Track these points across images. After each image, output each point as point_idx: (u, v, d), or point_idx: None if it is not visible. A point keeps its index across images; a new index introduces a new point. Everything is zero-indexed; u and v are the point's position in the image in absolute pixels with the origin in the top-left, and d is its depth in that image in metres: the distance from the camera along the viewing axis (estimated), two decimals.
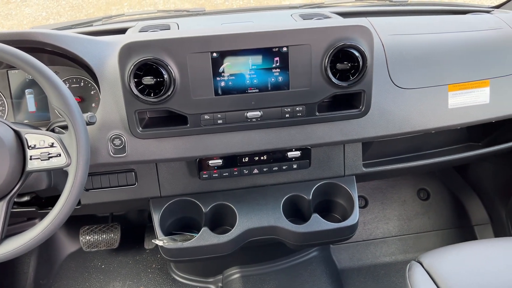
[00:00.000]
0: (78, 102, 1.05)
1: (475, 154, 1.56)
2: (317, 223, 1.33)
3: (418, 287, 1.13)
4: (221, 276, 1.83)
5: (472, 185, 2.09)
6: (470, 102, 1.37)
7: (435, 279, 1.14)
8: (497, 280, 1.11)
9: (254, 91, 1.17)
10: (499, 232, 1.97)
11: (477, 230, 2.06)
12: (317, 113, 1.23)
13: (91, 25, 1.57)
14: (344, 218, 1.38)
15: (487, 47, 1.39)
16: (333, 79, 1.17)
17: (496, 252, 1.20)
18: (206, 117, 1.17)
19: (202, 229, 1.30)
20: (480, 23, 1.47)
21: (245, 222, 1.33)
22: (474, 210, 2.08)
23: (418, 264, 1.20)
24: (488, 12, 1.65)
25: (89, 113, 1.06)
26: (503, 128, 1.58)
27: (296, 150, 1.32)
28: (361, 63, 1.17)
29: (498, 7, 1.76)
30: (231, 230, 1.32)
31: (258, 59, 1.15)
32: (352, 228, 1.37)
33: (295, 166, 1.34)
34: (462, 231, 2.08)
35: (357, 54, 1.16)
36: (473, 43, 1.39)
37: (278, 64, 1.16)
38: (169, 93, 1.11)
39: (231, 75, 1.15)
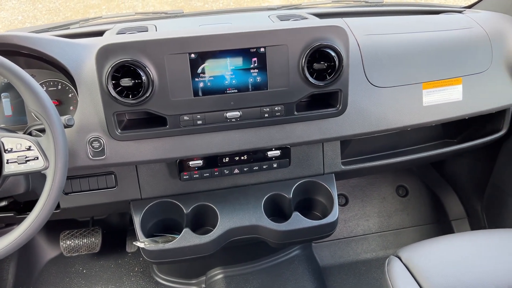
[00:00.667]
0: (55, 105, 1.04)
1: (450, 150, 1.60)
2: (297, 221, 1.35)
3: (397, 281, 1.15)
4: (204, 277, 1.84)
5: (449, 181, 2.14)
6: (444, 100, 1.40)
7: (413, 272, 1.17)
8: (472, 270, 1.14)
9: (233, 91, 1.18)
10: (475, 226, 2.03)
11: (455, 224, 2.11)
12: (295, 113, 1.24)
13: (68, 28, 1.55)
14: (325, 215, 1.40)
15: (459, 46, 1.43)
16: (310, 79, 1.19)
17: (471, 244, 1.23)
18: (186, 118, 1.18)
19: (184, 230, 1.31)
20: (452, 23, 1.51)
21: (226, 222, 1.34)
22: (451, 205, 2.13)
23: (397, 259, 1.23)
24: (460, 12, 1.70)
25: (66, 115, 1.05)
26: (476, 125, 1.62)
27: (275, 149, 1.33)
28: (337, 63, 1.19)
29: (469, 7, 1.81)
30: (213, 230, 1.32)
31: (236, 60, 1.16)
32: (332, 225, 1.39)
33: (275, 165, 1.36)
34: (440, 226, 2.13)
35: (333, 54, 1.18)
36: (446, 42, 1.42)
37: (256, 64, 1.17)
38: (147, 94, 1.12)
39: (209, 76, 1.16)
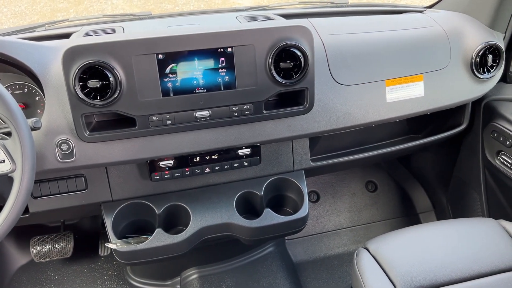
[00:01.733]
0: (22, 109, 1.04)
1: (415, 144, 1.66)
2: (269, 217, 1.37)
3: (365, 271, 1.19)
4: (179, 278, 1.84)
5: (415, 175, 2.21)
6: (406, 96, 1.46)
7: (380, 263, 1.21)
8: (435, 258, 1.19)
9: (201, 91, 1.20)
10: (441, 217, 2.10)
11: (422, 217, 2.18)
12: (264, 111, 1.27)
13: (34, 31, 1.53)
14: (295, 211, 1.43)
15: (419, 44, 1.49)
16: (277, 78, 1.22)
17: (434, 234, 1.29)
18: (155, 118, 1.19)
19: (156, 230, 1.31)
20: (413, 22, 1.57)
21: (199, 221, 1.35)
22: (418, 199, 2.20)
23: (365, 250, 1.27)
24: (420, 12, 1.77)
25: (33, 118, 1.05)
26: (439, 120, 1.69)
27: (246, 147, 1.36)
28: (302, 61, 1.22)
29: (430, 7, 1.88)
30: (185, 230, 1.33)
31: (204, 60, 1.18)
32: (303, 220, 1.42)
33: (246, 164, 1.38)
34: (408, 219, 2.20)
35: (298, 53, 1.21)
36: (407, 41, 1.48)
37: (224, 64, 1.19)
38: (115, 95, 1.12)
39: (178, 76, 1.17)
